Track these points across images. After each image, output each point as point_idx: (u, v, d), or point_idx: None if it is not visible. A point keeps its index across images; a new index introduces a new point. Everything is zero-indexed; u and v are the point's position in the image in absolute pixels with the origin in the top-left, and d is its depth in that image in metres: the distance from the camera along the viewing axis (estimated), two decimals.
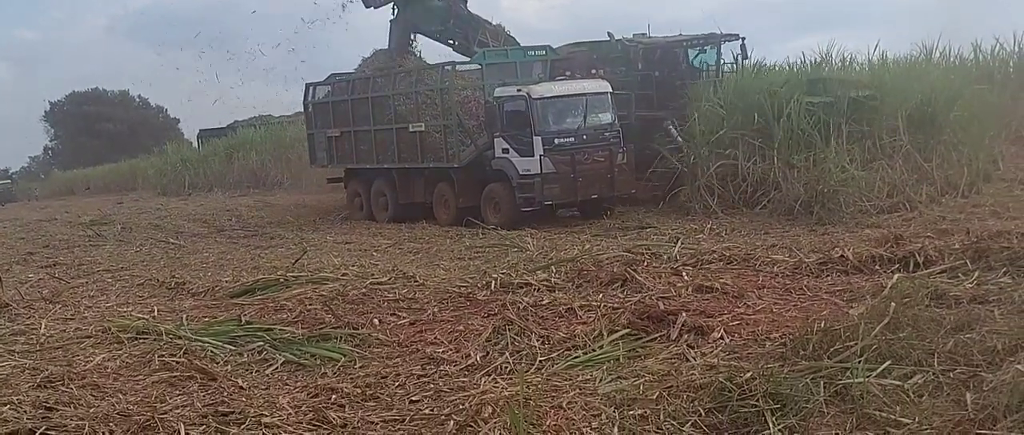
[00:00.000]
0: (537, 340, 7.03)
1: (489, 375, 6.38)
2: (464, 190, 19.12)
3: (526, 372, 6.34)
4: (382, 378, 6.57)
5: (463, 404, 5.70)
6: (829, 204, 15.94)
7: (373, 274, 10.46)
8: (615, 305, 7.78)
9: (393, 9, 23.00)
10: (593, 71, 19.16)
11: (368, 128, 21.17)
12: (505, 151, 18.02)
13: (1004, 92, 20.06)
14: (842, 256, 9.38)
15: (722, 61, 21.04)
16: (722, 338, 6.74)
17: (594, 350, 6.68)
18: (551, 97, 17.83)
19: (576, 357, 6.57)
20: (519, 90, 17.82)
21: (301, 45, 30.74)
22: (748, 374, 5.49)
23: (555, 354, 6.71)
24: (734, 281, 8.63)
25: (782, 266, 9.42)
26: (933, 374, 5.33)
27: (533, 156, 17.46)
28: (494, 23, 23.08)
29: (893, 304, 6.20)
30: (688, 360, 6.29)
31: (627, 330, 6.97)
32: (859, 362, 5.52)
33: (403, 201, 20.75)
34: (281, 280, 10.30)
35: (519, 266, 10.45)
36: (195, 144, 43.05)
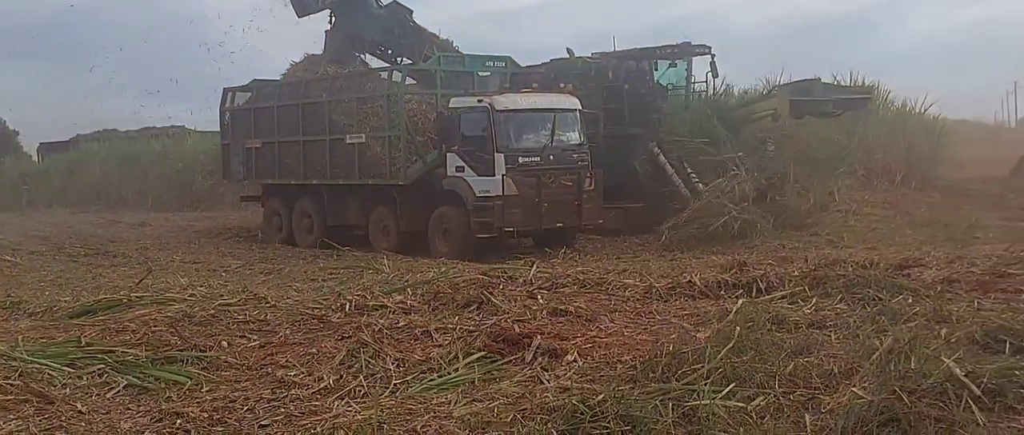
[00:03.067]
0: (392, 363, 6.93)
1: (342, 398, 6.24)
2: (408, 213, 16.93)
3: (380, 395, 6.24)
4: (230, 402, 6.34)
5: (315, 428, 5.56)
6: (680, 232, 16.57)
7: (222, 295, 10.11)
8: (471, 328, 7.76)
9: (330, 17, 21.05)
10: (561, 85, 17.40)
11: (296, 139, 19.07)
12: (459, 169, 16.04)
13: (840, 127, 21.24)
14: (690, 281, 9.68)
15: (692, 78, 20.05)
16: (575, 361, 6.82)
17: (449, 373, 6.65)
18: (516, 110, 15.98)
19: (431, 380, 6.52)
20: (480, 101, 16.02)
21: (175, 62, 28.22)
22: (600, 396, 5.56)
23: (410, 377, 6.64)
24: (587, 305, 8.78)
25: (633, 290, 9.64)
26: (774, 396, 5.52)
27: (494, 176, 15.55)
28: (442, 37, 21.09)
29: (737, 328, 6.41)
30: (542, 383, 6.33)
31: (482, 353, 6.96)
32: (705, 384, 5.67)
33: (333, 223, 18.49)
34: (124, 300, 9.82)
35: (374, 288, 10.32)
36: (35, 158, 40.97)
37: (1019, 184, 25.48)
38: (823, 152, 19.84)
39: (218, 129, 30.74)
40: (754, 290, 9.15)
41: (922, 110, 23.38)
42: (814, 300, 8.40)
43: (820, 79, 18.95)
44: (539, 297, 9.22)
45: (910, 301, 7.90)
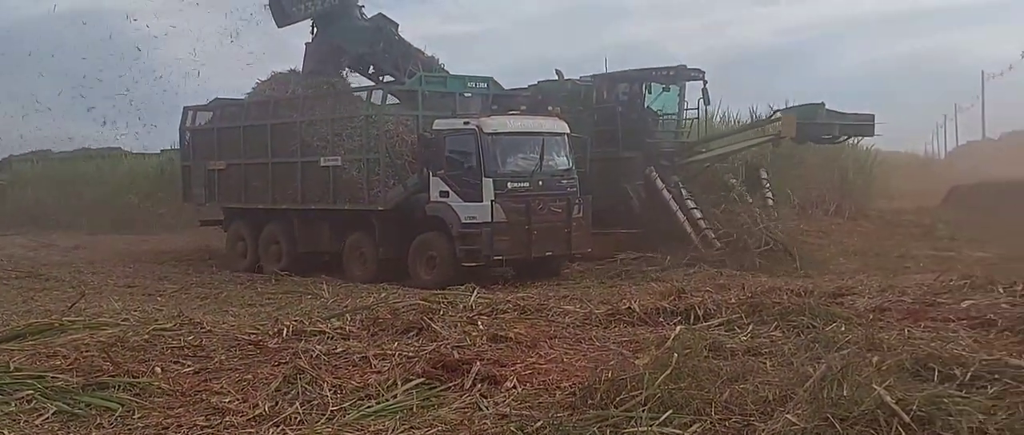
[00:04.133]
0: (329, 389, 6.86)
1: (277, 426, 6.17)
2: (387, 239, 16.04)
3: (316, 423, 6.18)
4: (163, 430, 6.23)
5: None
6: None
7: (157, 319, 9.91)
8: (410, 354, 7.73)
9: (312, 28, 19.87)
10: (549, 109, 16.88)
11: (264, 161, 18.07)
12: (444, 194, 15.30)
13: (776, 157, 21.61)
14: (629, 308, 9.76)
15: (685, 105, 19.48)
16: (515, 387, 6.82)
17: (387, 400, 6.60)
18: (505, 133, 15.34)
19: (369, 407, 6.46)
20: (467, 123, 15.31)
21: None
22: (539, 423, 5.57)
23: (347, 404, 6.57)
24: (527, 331, 8.80)
25: (573, 317, 9.69)
26: (710, 423, 5.58)
27: (482, 202, 14.88)
28: (428, 53, 20.04)
29: (675, 355, 6.46)
30: (481, 409, 6.32)
31: (421, 379, 6.93)
32: (643, 411, 5.71)
33: (303, 250, 17.62)
34: (56, 325, 9.57)
35: (313, 313, 10.22)
36: None
37: (948, 215, 26.21)
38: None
39: (156, 151, 30.02)
40: (692, 317, 9.25)
41: (856, 142, 23.81)
42: (750, 327, 8.52)
43: (823, 104, 18.56)
44: (479, 323, 9.21)
45: (843, 329, 8.05)
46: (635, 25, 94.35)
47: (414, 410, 6.35)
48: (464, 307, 10.15)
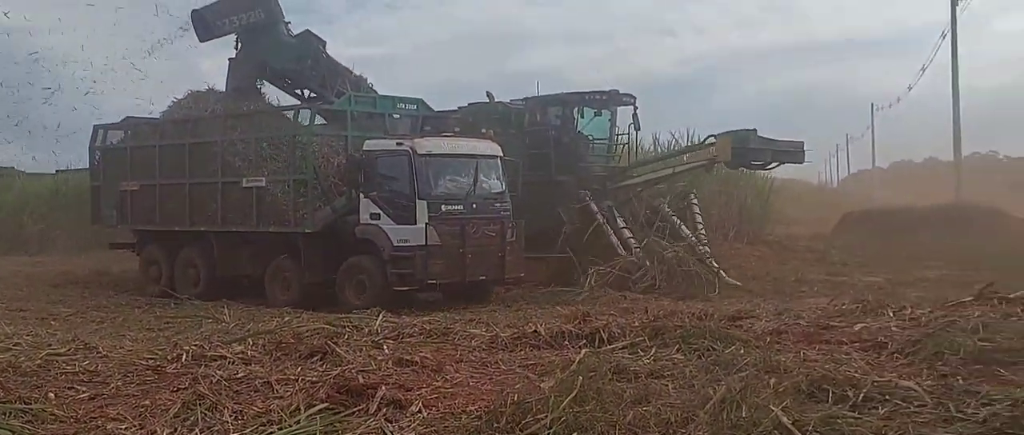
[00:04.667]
0: (230, 415, 6.69)
1: None
2: (313, 263, 15.67)
3: None
4: None
5: None
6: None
7: (50, 344, 9.56)
8: (314, 379, 7.61)
9: (236, 44, 19.29)
10: (482, 131, 16.75)
11: (181, 182, 17.52)
12: (375, 217, 15.04)
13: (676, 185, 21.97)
14: (535, 331, 9.81)
15: (616, 129, 19.47)
16: (420, 412, 6.77)
17: (290, 426, 6.47)
18: (439, 155, 15.15)
19: (271, 433, 6.34)
20: (400, 144, 15.04)
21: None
22: None
23: (249, 430, 6.42)
24: (433, 355, 8.76)
25: (479, 340, 9.69)
26: None
27: (415, 224, 14.64)
28: (356, 72, 19.58)
29: (580, 378, 6.52)
30: (385, 434, 6.26)
31: (325, 405, 6.82)
32: (548, 434, 5.75)
33: (222, 274, 17.09)
34: None
35: (214, 337, 10.00)
36: None
37: (841, 240, 27.17)
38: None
39: (51, 172, 28.93)
40: (597, 340, 9.35)
41: (767, 171, 24.47)
42: (653, 350, 8.65)
43: (755, 130, 18.79)
44: (385, 347, 9.15)
45: (742, 351, 8.23)
46: (541, 51, 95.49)
47: None
48: (369, 331, 10.07)
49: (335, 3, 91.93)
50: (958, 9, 36.71)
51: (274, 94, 19.91)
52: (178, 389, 7.47)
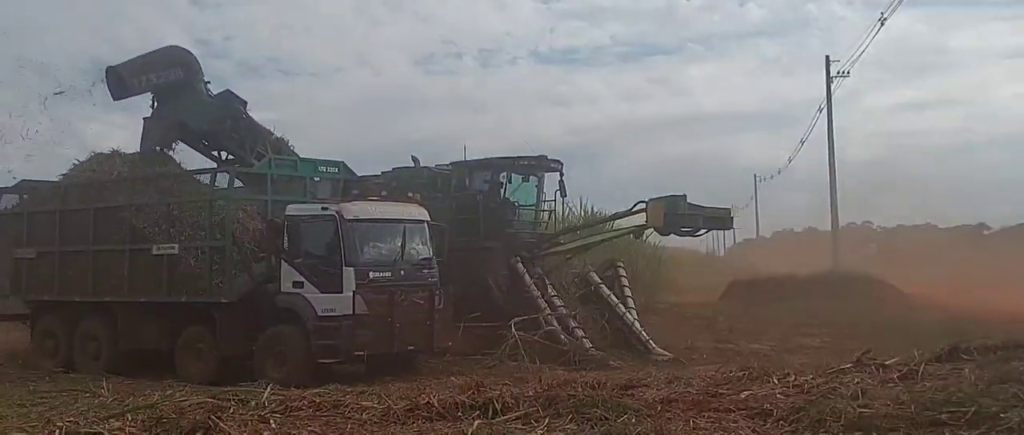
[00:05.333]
0: None
1: None
2: (230, 334, 14.84)
3: None
4: None
5: None
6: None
7: None
8: None
9: (152, 102, 18.39)
10: (409, 195, 16.25)
11: (83, 249, 16.58)
12: (298, 284, 14.42)
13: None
14: (428, 403, 9.64)
15: (543, 195, 19.31)
16: None
17: None
18: (367, 220, 14.66)
19: None
20: (325, 208, 14.58)
21: None
22: None
23: None
24: (323, 429, 8.53)
25: (371, 413, 9.46)
26: None
27: (341, 293, 14.07)
28: (276, 134, 18.97)
29: None
30: None
31: None
32: None
33: (127, 347, 16.15)
34: None
35: (90, 413, 9.51)
36: None
37: (728, 308, 27.84)
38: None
39: None
40: (490, 411, 9.26)
41: (645, 238, 24.97)
42: (546, 420, 8.60)
43: (685, 196, 18.76)
44: (272, 421, 8.85)
45: (634, 421, 8.27)
46: (434, 118, 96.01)
47: None
48: (256, 405, 9.75)
49: (228, 68, 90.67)
50: (833, 86, 38.62)
51: (186, 156, 19.22)
52: None
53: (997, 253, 39.54)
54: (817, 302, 26.87)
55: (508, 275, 18.15)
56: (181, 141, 18.82)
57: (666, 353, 18.11)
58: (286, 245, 14.67)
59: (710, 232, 20.57)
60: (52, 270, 17.23)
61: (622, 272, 20.35)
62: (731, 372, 11.68)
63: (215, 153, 19.00)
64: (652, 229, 19.35)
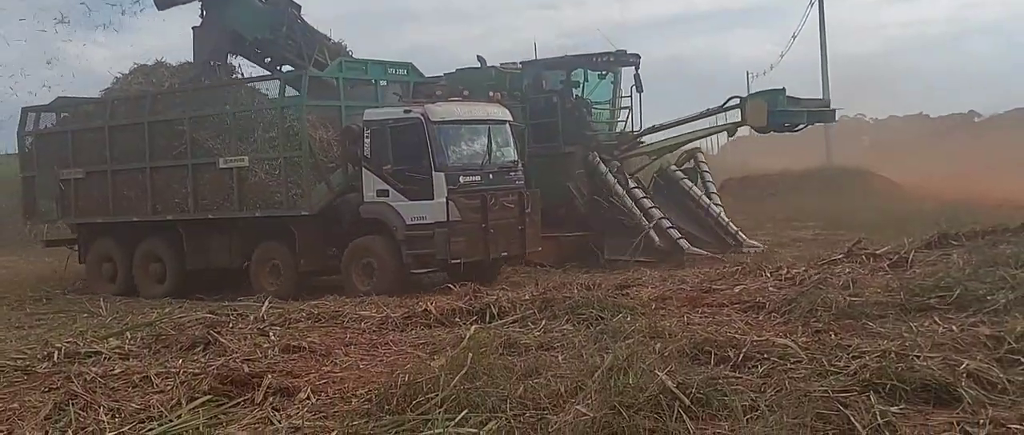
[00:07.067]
0: (106, 414, 6.43)
1: None
2: (310, 248, 14.25)
3: None
4: None
5: None
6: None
7: None
8: (196, 371, 7.37)
9: (201, 11, 17.44)
10: (491, 94, 15.24)
11: (140, 166, 15.80)
12: (382, 193, 13.71)
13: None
14: (425, 310, 9.74)
15: (619, 92, 18.12)
16: (309, 398, 6.64)
17: (171, 420, 6.27)
18: (454, 122, 13.87)
19: (150, 429, 6.12)
20: (408, 111, 13.75)
21: None
22: (333, 433, 5.47)
23: (127, 428, 6.19)
24: (322, 339, 8.60)
25: (369, 322, 9.56)
26: (506, 419, 5.65)
27: (432, 199, 13.39)
28: (334, 38, 17.81)
29: (470, 354, 6.52)
30: (273, 423, 6.12)
31: (208, 396, 6.62)
32: (439, 412, 5.72)
33: (193, 266, 15.41)
34: None
35: (88, 333, 9.57)
36: None
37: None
38: None
39: None
40: (487, 316, 9.35)
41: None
42: (543, 322, 8.71)
43: (784, 89, 17.42)
44: (271, 334, 8.92)
45: (629, 319, 8.36)
46: (420, 31, 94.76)
47: (201, 429, 6.07)
48: (255, 318, 9.83)
49: None
50: None
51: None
52: (50, 389, 7.13)
53: (988, 141, 39.62)
54: (811, 197, 27.01)
55: (586, 174, 17.00)
56: (234, 52, 17.90)
57: (758, 244, 17.42)
58: (367, 152, 13.95)
59: (806, 127, 18.72)
60: (104, 190, 16.42)
61: (702, 162, 19.16)
62: (724, 267, 11.80)
63: (270, 62, 17.99)
64: (749, 127, 17.87)
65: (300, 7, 17.59)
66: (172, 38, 45.09)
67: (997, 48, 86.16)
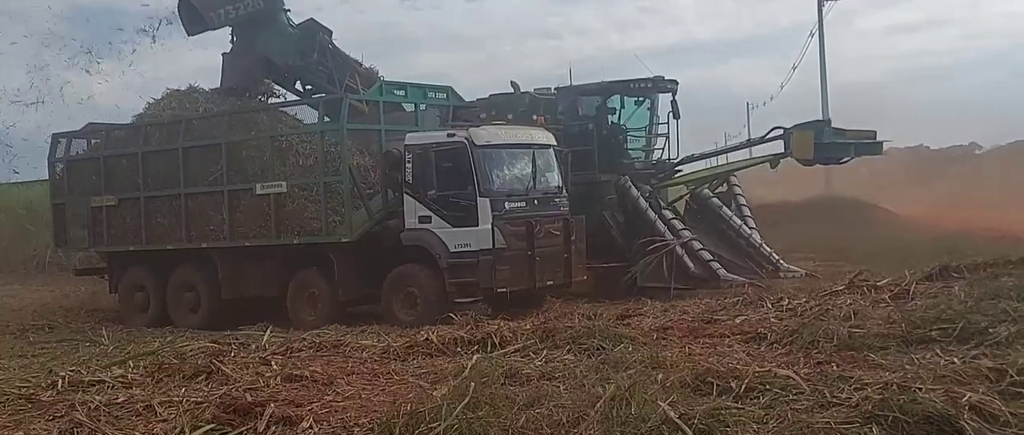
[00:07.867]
0: None
1: None
2: (349, 277, 13.82)
3: None
4: None
5: None
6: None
7: None
8: (198, 399, 7.39)
9: (232, 37, 17.11)
10: (534, 117, 14.92)
11: (175, 192, 15.42)
12: (425, 219, 13.29)
13: None
14: (427, 339, 9.77)
15: (656, 118, 17.49)
16: (311, 427, 6.65)
17: None
18: (498, 146, 13.44)
19: None
20: (452, 134, 13.37)
21: None
22: None
23: None
24: (324, 368, 8.61)
25: (371, 351, 9.59)
26: None
27: (477, 226, 12.97)
28: (366, 66, 17.47)
29: (472, 384, 6.53)
30: None
31: (211, 425, 6.62)
32: None
33: (228, 296, 14.92)
34: None
35: (92, 362, 9.60)
36: None
37: None
38: None
39: None
40: (489, 345, 9.36)
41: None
42: (544, 352, 8.73)
43: (829, 120, 17.00)
44: (273, 363, 8.94)
45: (630, 349, 8.39)
46: (422, 58, 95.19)
47: None
48: (257, 347, 9.85)
49: None
50: (825, 9, 38.21)
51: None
52: (54, 418, 7.15)
53: (989, 172, 39.63)
54: (810, 227, 26.98)
55: (618, 199, 16.50)
56: (265, 78, 17.65)
57: (797, 269, 16.92)
58: (409, 178, 13.53)
59: (851, 161, 18.12)
60: (137, 217, 15.98)
61: (736, 185, 18.48)
62: (726, 299, 11.82)
63: (299, 87, 17.70)
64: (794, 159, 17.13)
65: (331, 32, 17.32)
66: (171, 67, 44.77)
67: (999, 80, 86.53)
